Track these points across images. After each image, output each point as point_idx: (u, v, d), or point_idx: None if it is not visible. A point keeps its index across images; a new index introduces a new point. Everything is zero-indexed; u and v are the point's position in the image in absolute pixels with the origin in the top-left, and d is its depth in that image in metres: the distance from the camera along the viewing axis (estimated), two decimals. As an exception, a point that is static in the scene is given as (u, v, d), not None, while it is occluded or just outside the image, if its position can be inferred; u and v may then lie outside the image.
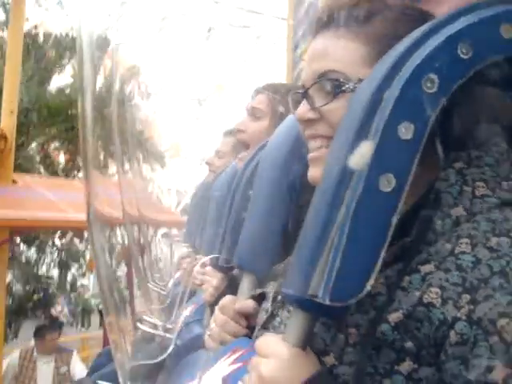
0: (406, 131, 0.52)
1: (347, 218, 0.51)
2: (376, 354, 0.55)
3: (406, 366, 0.53)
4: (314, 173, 0.70)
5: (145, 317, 1.78)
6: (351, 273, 0.52)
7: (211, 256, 1.42)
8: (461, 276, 0.53)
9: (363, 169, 0.52)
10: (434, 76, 0.54)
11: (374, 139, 0.52)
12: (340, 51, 0.66)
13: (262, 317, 0.79)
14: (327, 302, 0.51)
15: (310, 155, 0.71)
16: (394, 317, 0.54)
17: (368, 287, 0.52)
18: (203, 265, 1.65)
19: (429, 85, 0.54)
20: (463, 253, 0.54)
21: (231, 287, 1.37)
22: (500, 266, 0.52)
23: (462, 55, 0.55)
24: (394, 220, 0.52)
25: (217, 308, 0.91)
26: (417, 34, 0.57)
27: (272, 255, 0.87)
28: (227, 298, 0.91)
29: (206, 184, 2.20)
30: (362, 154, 0.52)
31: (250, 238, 0.94)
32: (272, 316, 0.77)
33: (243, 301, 0.86)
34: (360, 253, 0.52)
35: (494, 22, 0.57)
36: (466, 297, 0.51)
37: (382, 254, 0.52)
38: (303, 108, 0.70)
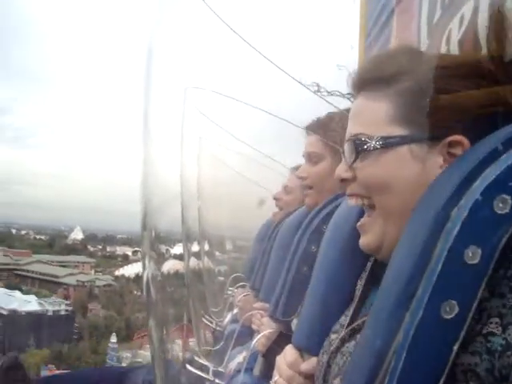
0: (472, 255, 0.50)
1: (405, 343, 0.49)
2: None
3: None
4: (362, 241, 0.75)
5: (196, 358, 1.79)
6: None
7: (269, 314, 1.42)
8: None
9: None
10: (507, 196, 0.51)
11: (437, 263, 0.50)
12: (367, 113, 0.72)
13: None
14: None
15: (358, 224, 0.76)
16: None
17: None
18: (262, 313, 1.64)
19: (501, 205, 0.51)
20: None
21: (285, 337, 1.35)
22: None
23: None
24: (456, 348, 0.50)
25: (282, 362, 0.96)
26: (486, 148, 0.55)
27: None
28: (294, 356, 0.96)
29: (271, 223, 2.18)
30: None
31: (310, 320, 0.94)
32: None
33: (311, 361, 0.91)
34: (416, 382, 0.49)
35: None
36: None
37: (442, 382, 0.50)
38: (340, 168, 0.76)
